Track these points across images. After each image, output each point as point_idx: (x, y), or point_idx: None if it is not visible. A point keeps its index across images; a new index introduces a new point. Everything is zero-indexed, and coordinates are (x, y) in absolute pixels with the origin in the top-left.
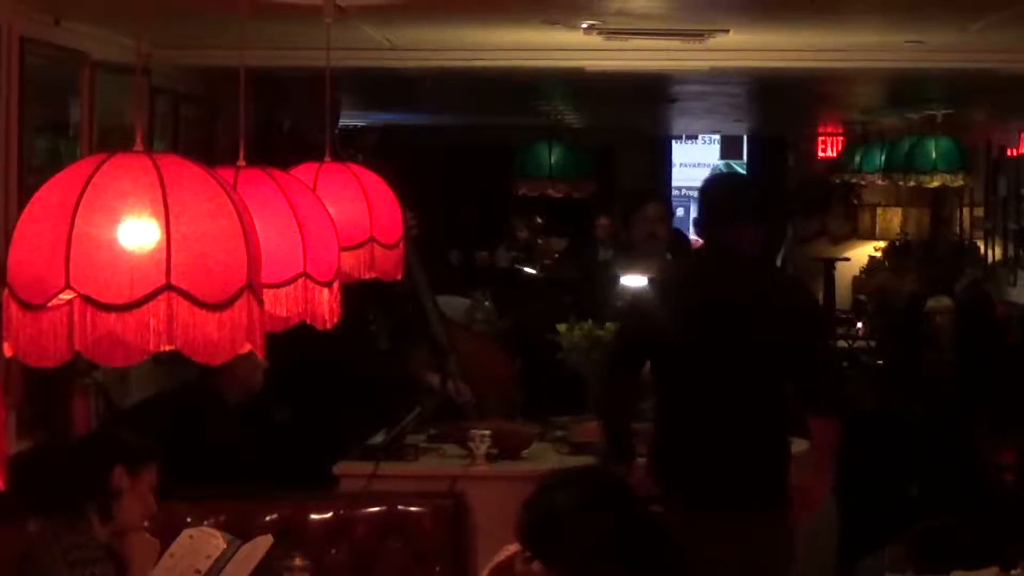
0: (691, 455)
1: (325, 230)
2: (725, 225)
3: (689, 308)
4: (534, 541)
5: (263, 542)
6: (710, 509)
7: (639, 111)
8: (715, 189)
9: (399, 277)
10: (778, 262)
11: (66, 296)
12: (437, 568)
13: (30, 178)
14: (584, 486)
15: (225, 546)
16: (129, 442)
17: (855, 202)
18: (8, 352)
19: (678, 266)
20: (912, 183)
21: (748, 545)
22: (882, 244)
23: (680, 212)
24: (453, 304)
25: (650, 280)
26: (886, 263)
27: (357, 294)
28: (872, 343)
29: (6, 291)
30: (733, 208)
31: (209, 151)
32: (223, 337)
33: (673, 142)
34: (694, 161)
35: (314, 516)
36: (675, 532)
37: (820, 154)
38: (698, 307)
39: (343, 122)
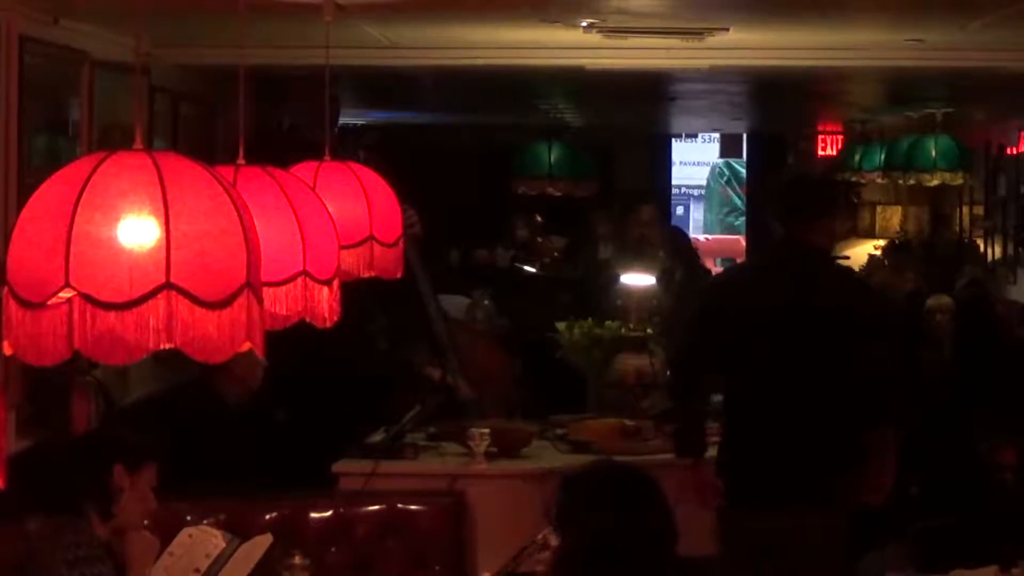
0: (762, 454)
1: (325, 228)
2: (800, 224)
3: (766, 308)
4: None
5: (262, 541)
6: (776, 508)
7: (638, 110)
8: (789, 188)
9: (399, 275)
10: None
11: (66, 294)
12: (437, 566)
13: (29, 177)
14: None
15: (224, 545)
16: (129, 441)
17: (855, 200)
18: (8, 351)
19: (753, 265)
20: (912, 182)
21: (805, 544)
22: (882, 242)
23: (680, 210)
24: (453, 303)
25: (725, 277)
26: (886, 261)
27: (357, 292)
28: None
29: (6, 289)
30: (807, 207)
31: (209, 150)
32: (223, 336)
33: (673, 141)
34: (694, 160)
35: (313, 515)
36: (738, 529)
37: (820, 152)
38: (776, 307)
39: (343, 121)
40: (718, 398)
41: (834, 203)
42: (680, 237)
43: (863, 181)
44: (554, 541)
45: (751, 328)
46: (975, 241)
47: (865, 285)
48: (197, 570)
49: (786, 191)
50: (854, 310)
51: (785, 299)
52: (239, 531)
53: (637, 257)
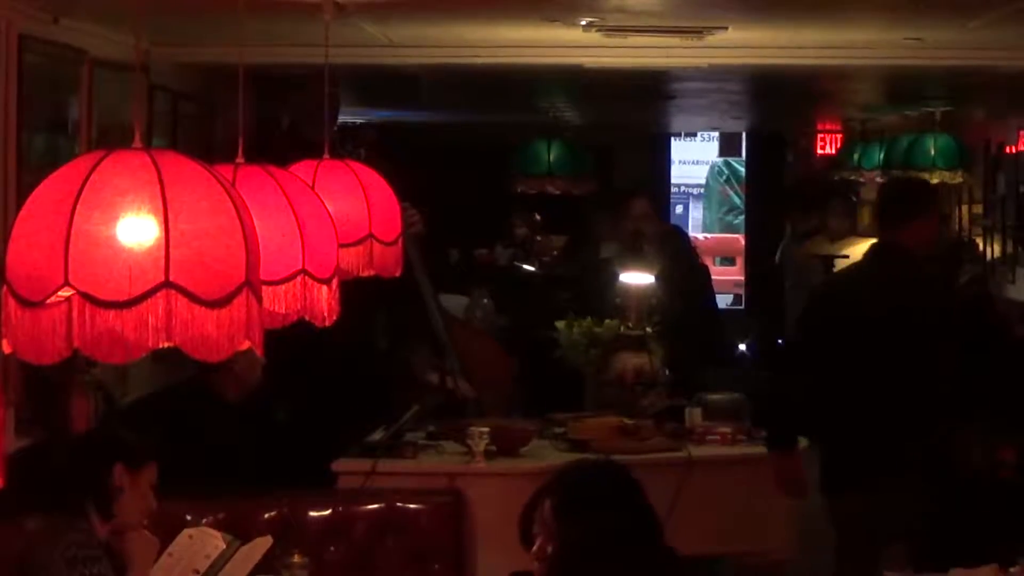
0: (870, 445)
1: (324, 227)
2: (898, 225)
3: (875, 307)
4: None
5: (262, 543)
6: (887, 491)
7: (638, 108)
8: (888, 192)
9: (398, 274)
10: (776, 259)
11: (65, 293)
12: (436, 565)
13: (28, 176)
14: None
15: (224, 547)
16: (129, 441)
17: (854, 199)
18: (7, 349)
19: (858, 266)
20: None
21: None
22: None
23: (679, 209)
24: (452, 302)
25: (833, 278)
26: None
27: (356, 291)
28: None
29: (5, 288)
30: (904, 209)
31: (208, 148)
32: (222, 334)
33: (672, 139)
34: (693, 158)
35: (313, 513)
36: (845, 516)
37: (819, 151)
38: (883, 308)
39: (342, 119)
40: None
41: (922, 205)
42: (679, 236)
43: (862, 180)
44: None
45: (858, 328)
46: (974, 239)
47: (950, 288)
48: (196, 571)
49: (879, 194)
50: (944, 310)
51: (882, 301)
52: (238, 530)
53: (631, 252)
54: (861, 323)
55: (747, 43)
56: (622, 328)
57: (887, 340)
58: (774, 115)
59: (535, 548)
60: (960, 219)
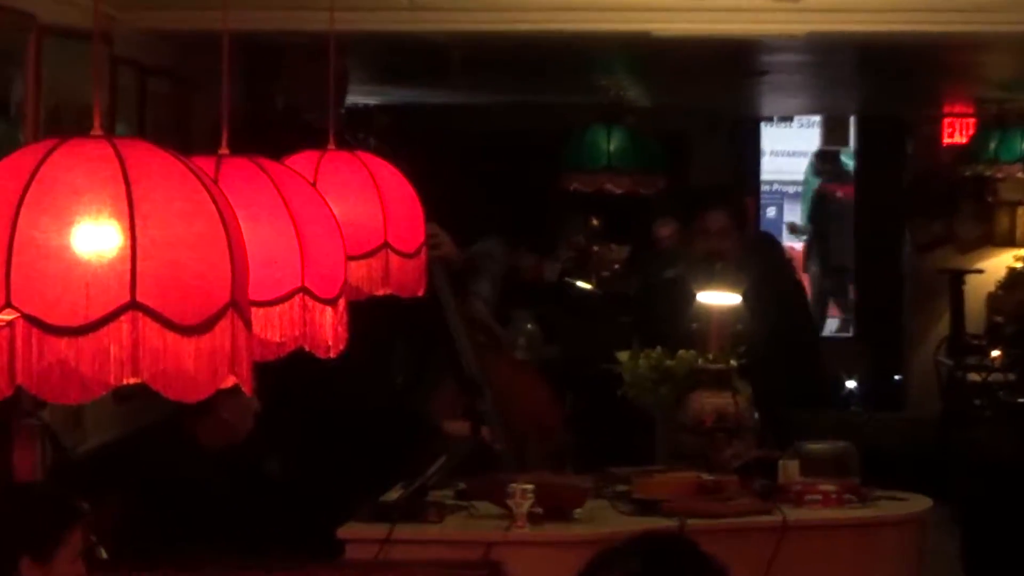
0: None
1: (328, 234)
2: None
3: None
4: None
5: None
6: None
7: (719, 87)
8: None
9: (420, 293)
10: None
11: (7, 317)
12: None
13: None
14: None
15: None
16: (34, 525)
17: (990, 200)
18: None
19: None
20: None
21: None
22: None
23: (771, 212)
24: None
25: None
26: None
27: (368, 314)
28: (1012, 376)
29: None
30: None
31: (184, 136)
32: (201, 368)
33: (762, 125)
34: (789, 149)
35: None
36: None
37: (946, 140)
38: None
39: (351, 100)
40: None
41: None
42: (771, 246)
43: (1000, 175)
44: None
45: None
46: None
47: None
48: None
49: None
50: None
51: None
52: None
53: (705, 276)
54: None
55: (855, 5)
56: (700, 361)
57: None
58: (890, 95)
59: None
60: None
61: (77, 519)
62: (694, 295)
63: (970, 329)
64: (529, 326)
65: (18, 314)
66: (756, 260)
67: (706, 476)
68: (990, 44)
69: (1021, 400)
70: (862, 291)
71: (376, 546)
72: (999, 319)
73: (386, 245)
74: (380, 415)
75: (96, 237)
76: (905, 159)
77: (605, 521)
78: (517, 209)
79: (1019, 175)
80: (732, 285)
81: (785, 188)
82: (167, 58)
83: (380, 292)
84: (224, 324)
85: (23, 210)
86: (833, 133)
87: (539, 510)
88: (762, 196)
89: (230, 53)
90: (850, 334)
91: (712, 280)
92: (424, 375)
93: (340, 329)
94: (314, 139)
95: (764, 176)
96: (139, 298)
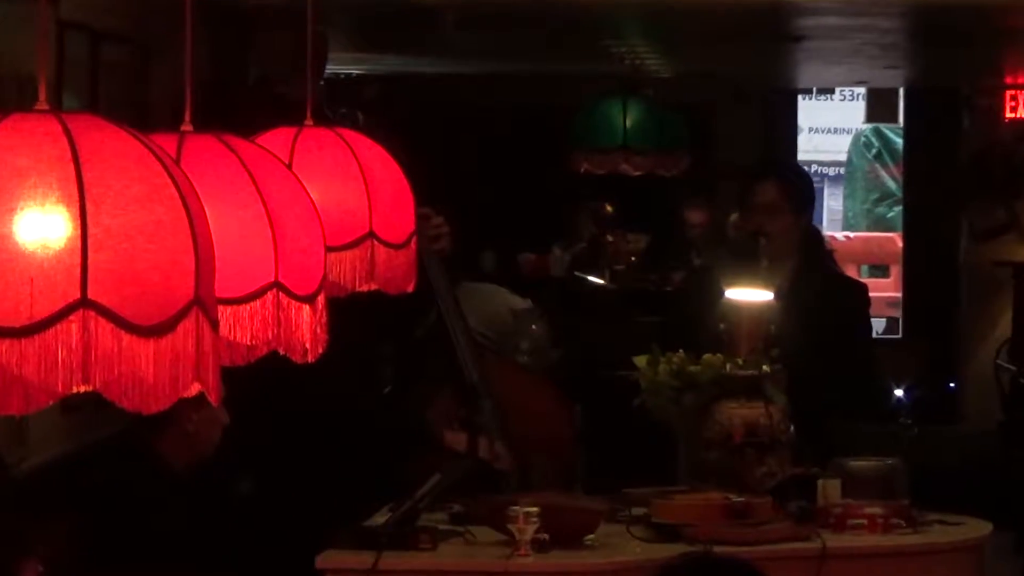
0: None
1: (305, 222)
2: None
3: None
4: None
5: None
6: None
7: (749, 54)
8: None
9: (410, 288)
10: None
11: None
12: None
13: None
14: None
15: None
16: None
17: None
18: None
19: None
20: None
21: None
22: None
23: None
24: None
25: None
26: None
27: (351, 313)
28: None
29: None
30: None
31: (142, 111)
32: (161, 374)
33: (799, 98)
34: (829, 125)
35: None
36: None
37: (1008, 114)
38: None
39: (331, 70)
40: None
41: None
42: (809, 235)
43: None
44: None
45: None
46: None
47: None
48: None
49: None
50: None
51: None
52: None
53: (744, 259)
54: None
55: None
56: (728, 366)
57: None
58: (944, 63)
59: None
60: None
61: (26, 554)
62: (723, 291)
63: None
64: (535, 327)
65: None
66: (833, 305)
67: (735, 498)
68: None
69: None
70: (911, 286)
71: None
72: None
73: (371, 235)
74: (365, 427)
75: (42, 226)
76: (961, 136)
77: (620, 549)
78: (519, 193)
79: None
80: (770, 276)
81: (825, 169)
82: (122, 22)
83: (364, 288)
84: (187, 324)
85: None
86: (879, 108)
87: (545, 536)
88: None
89: (193, 16)
90: (898, 335)
91: (753, 271)
92: (417, 383)
93: (319, 330)
94: (289, 114)
95: (801, 156)
96: (91, 295)
